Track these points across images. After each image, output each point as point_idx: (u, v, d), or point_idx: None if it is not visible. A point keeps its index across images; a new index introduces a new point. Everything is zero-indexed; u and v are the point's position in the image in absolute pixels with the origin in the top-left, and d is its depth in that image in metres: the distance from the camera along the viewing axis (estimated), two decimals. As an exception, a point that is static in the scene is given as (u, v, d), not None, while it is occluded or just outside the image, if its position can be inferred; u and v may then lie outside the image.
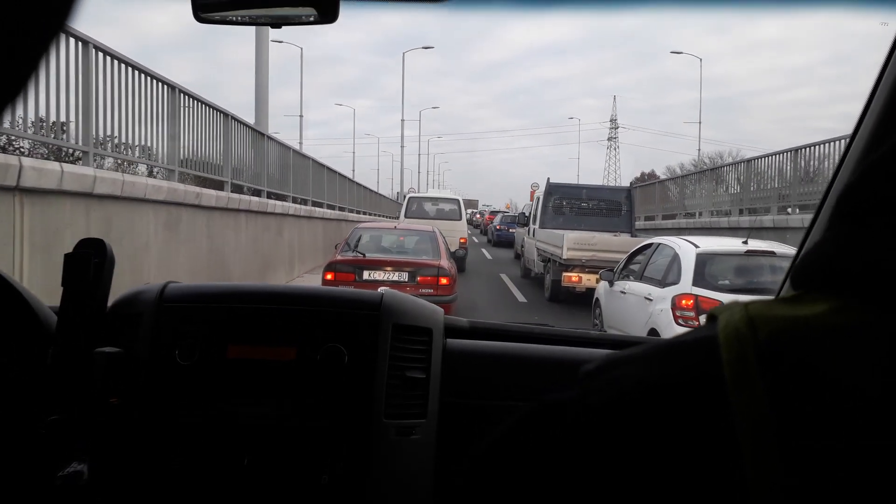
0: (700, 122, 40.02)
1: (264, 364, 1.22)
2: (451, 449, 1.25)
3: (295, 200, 14.25)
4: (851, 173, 0.57)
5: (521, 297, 12.14)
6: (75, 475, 1.06)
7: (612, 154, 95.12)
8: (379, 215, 29.37)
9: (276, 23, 0.98)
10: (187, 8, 0.92)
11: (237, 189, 10.53)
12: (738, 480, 0.35)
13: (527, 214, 16.15)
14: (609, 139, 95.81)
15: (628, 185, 18.93)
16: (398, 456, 1.22)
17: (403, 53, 42.52)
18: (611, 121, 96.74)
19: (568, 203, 14.06)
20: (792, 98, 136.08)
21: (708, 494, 0.36)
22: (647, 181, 40.06)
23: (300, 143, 38.27)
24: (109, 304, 1.24)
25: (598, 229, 13.12)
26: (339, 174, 20.03)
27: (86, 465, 1.08)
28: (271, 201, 11.05)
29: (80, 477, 1.06)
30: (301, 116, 38.51)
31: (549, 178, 14.24)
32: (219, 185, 9.15)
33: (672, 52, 39.88)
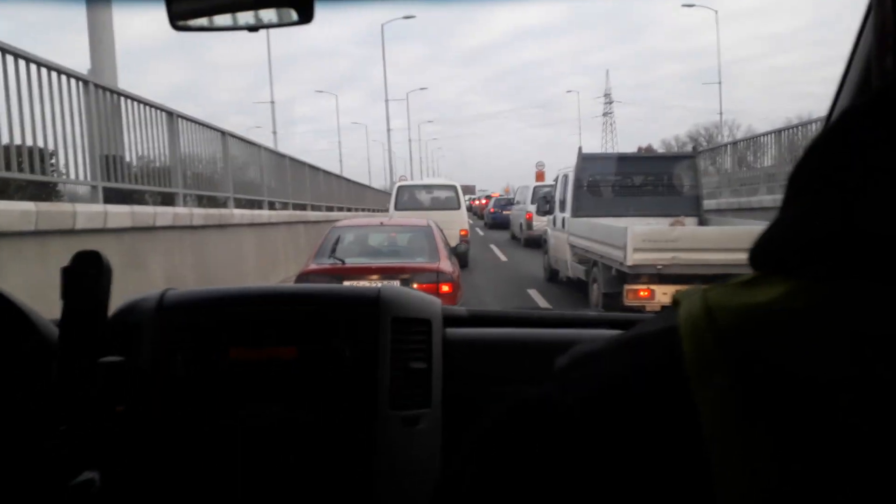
0: (720, 83, 36.80)
1: (266, 364, 1.25)
2: (457, 437, 1.24)
3: (211, 202, 9.56)
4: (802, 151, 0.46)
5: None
6: (87, 483, 1.07)
7: (608, 129, 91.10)
8: (363, 209, 24.84)
9: (254, 27, 0.98)
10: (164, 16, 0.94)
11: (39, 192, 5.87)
12: (706, 474, 0.36)
13: (547, 199, 11.66)
14: (604, 115, 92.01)
15: (691, 149, 14.33)
16: (405, 446, 1.24)
17: (382, 25, 37.91)
18: (605, 95, 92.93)
19: (609, 180, 10.02)
20: (776, 64, 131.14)
21: (679, 490, 0.37)
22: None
23: (274, 133, 33.73)
24: (110, 313, 1.23)
25: (654, 213, 9.41)
26: (290, 158, 14.67)
27: (97, 474, 1.09)
28: (98, 209, 5.75)
29: (93, 485, 1.07)
30: (272, 103, 34.04)
31: (580, 148, 10.13)
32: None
33: (683, 6, 35.41)
